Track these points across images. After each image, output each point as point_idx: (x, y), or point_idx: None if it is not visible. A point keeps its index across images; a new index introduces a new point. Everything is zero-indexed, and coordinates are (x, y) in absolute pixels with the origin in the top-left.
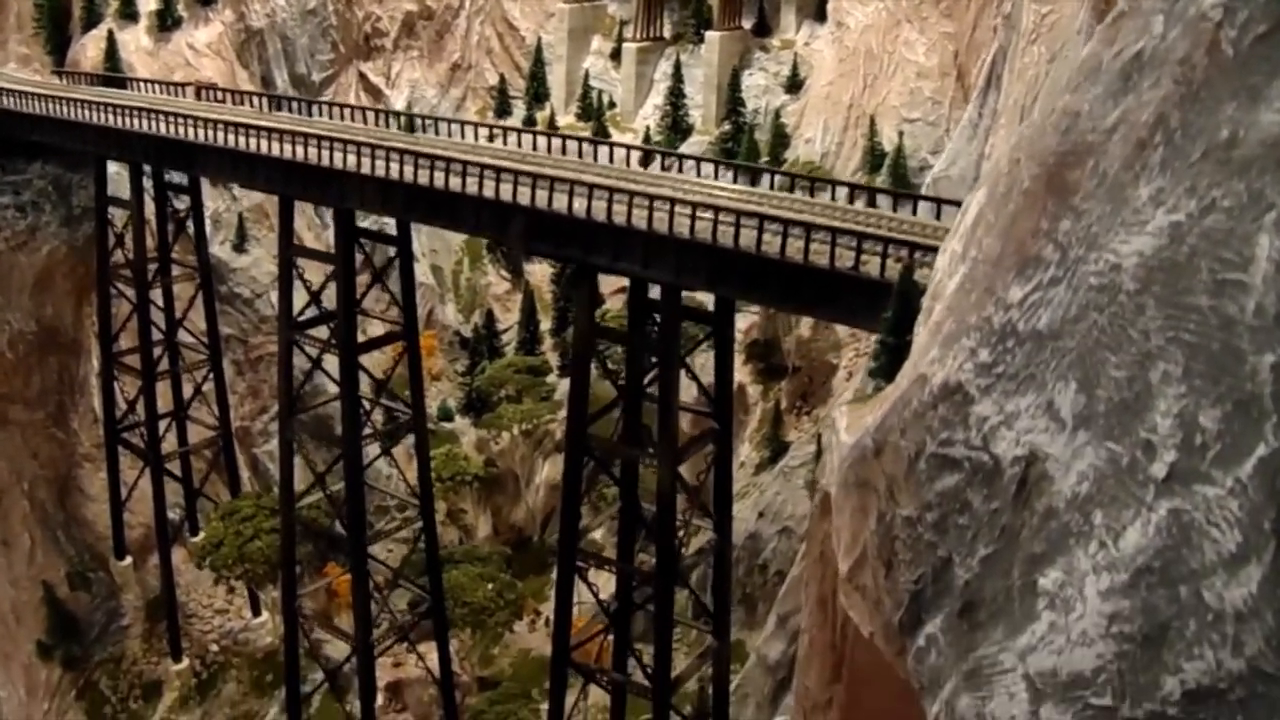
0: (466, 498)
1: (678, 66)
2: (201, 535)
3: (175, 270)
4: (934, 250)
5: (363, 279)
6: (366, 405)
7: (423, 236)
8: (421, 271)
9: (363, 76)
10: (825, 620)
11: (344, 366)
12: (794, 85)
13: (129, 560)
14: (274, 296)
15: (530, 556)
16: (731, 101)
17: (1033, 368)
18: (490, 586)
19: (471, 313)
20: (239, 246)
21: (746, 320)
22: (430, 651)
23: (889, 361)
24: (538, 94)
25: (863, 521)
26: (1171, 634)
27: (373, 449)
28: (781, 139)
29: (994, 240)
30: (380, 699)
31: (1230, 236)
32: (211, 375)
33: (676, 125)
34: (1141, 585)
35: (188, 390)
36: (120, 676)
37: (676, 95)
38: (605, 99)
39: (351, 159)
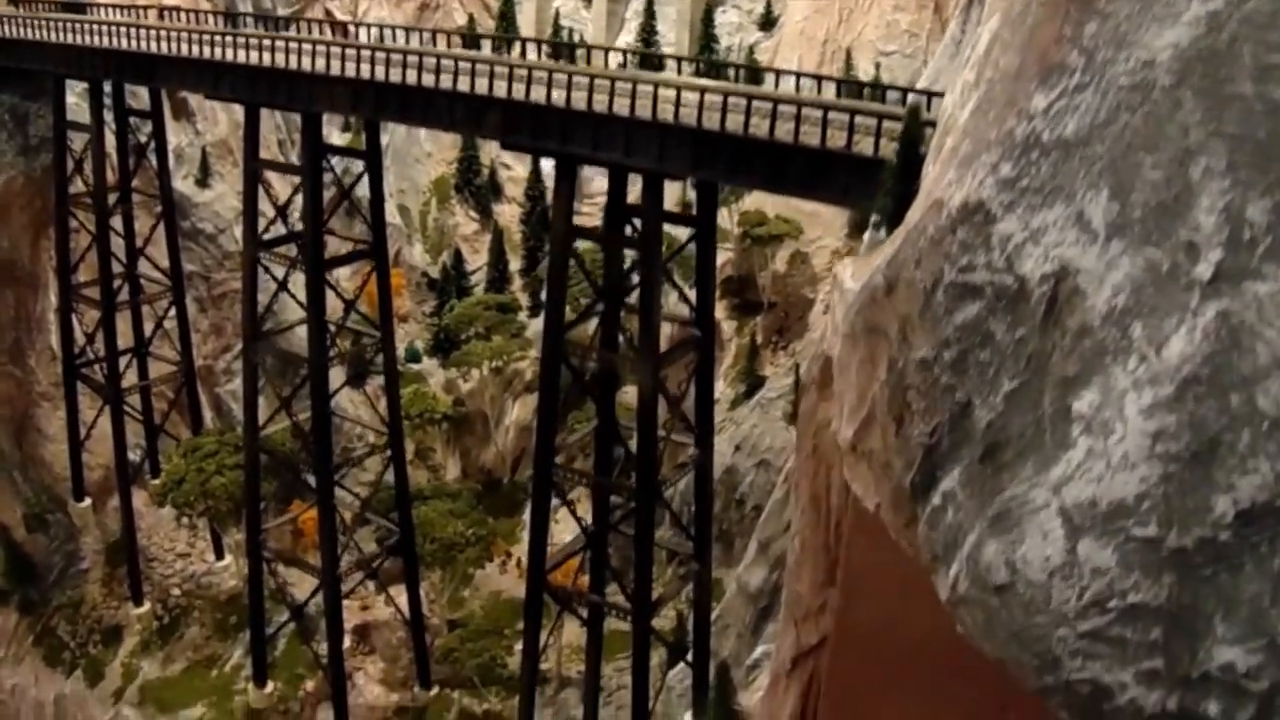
0: (435, 438)
1: (650, 4)
2: (163, 473)
3: (136, 199)
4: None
5: (337, 212)
6: (333, 328)
7: (390, 176)
8: (389, 212)
9: (329, 14)
10: (818, 521)
11: (310, 283)
12: (768, 22)
13: (88, 502)
14: (238, 232)
15: (500, 498)
16: (705, 39)
17: (1060, 178)
18: (461, 523)
19: (439, 254)
20: (202, 181)
21: (721, 256)
22: (399, 594)
23: (895, 209)
24: (507, 33)
25: (871, 375)
26: (1222, 448)
27: (341, 384)
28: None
29: (1012, 56)
30: (348, 641)
31: (1276, 19)
32: (174, 309)
33: (647, 63)
34: (1188, 397)
35: (149, 326)
36: (79, 621)
37: (648, 33)
38: (576, 38)
39: (320, 62)
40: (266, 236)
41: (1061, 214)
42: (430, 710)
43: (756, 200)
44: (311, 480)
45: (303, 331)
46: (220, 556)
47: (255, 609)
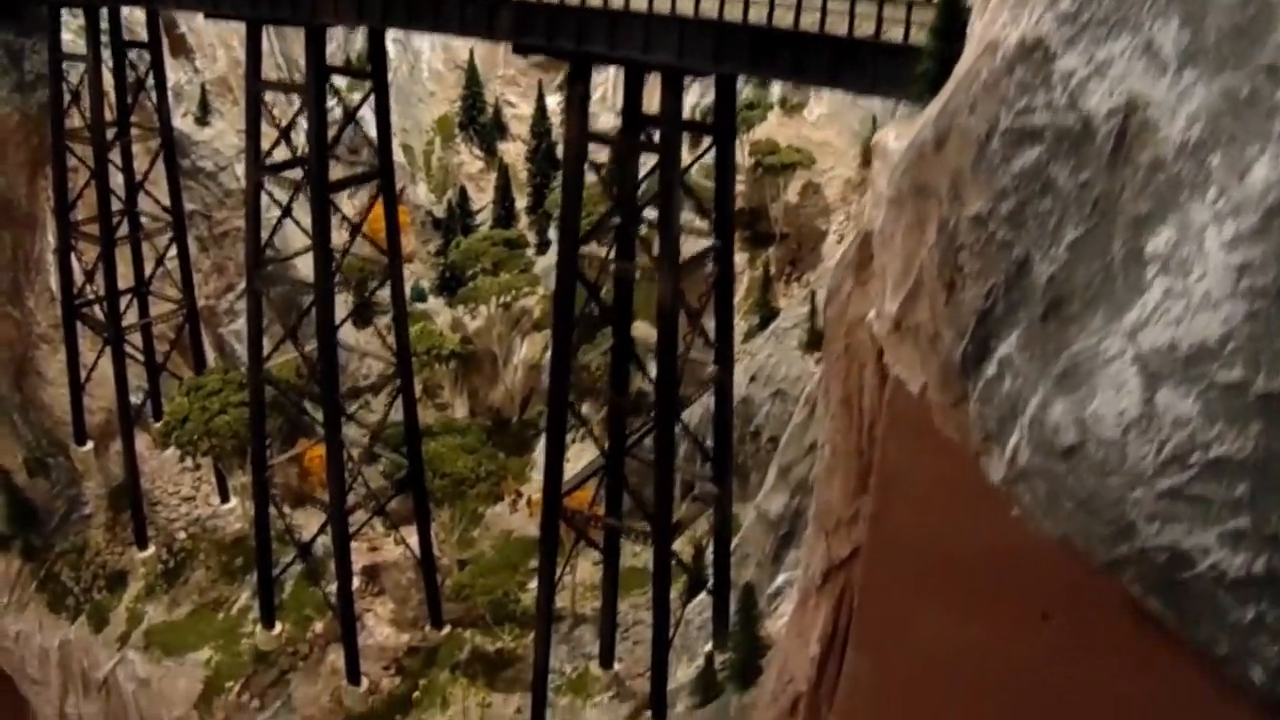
0: (443, 376)
1: None
2: (165, 413)
3: (135, 135)
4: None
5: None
6: (338, 256)
7: (393, 116)
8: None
9: None
10: (850, 424)
11: (315, 205)
12: None
13: (90, 446)
14: (239, 169)
15: (509, 438)
16: None
17: (1125, 9)
18: (470, 459)
19: (444, 193)
20: (201, 119)
21: None
22: (409, 536)
23: (938, 72)
24: None
25: (919, 240)
26: None
27: (347, 315)
28: None
29: None
30: (356, 583)
31: None
32: (174, 246)
33: None
34: (1274, 227)
35: (149, 266)
36: (83, 567)
37: None
38: None
39: None
40: (270, 161)
41: (1128, 45)
42: (442, 649)
43: (767, 130)
44: (318, 415)
45: (308, 263)
46: (225, 499)
47: (262, 548)
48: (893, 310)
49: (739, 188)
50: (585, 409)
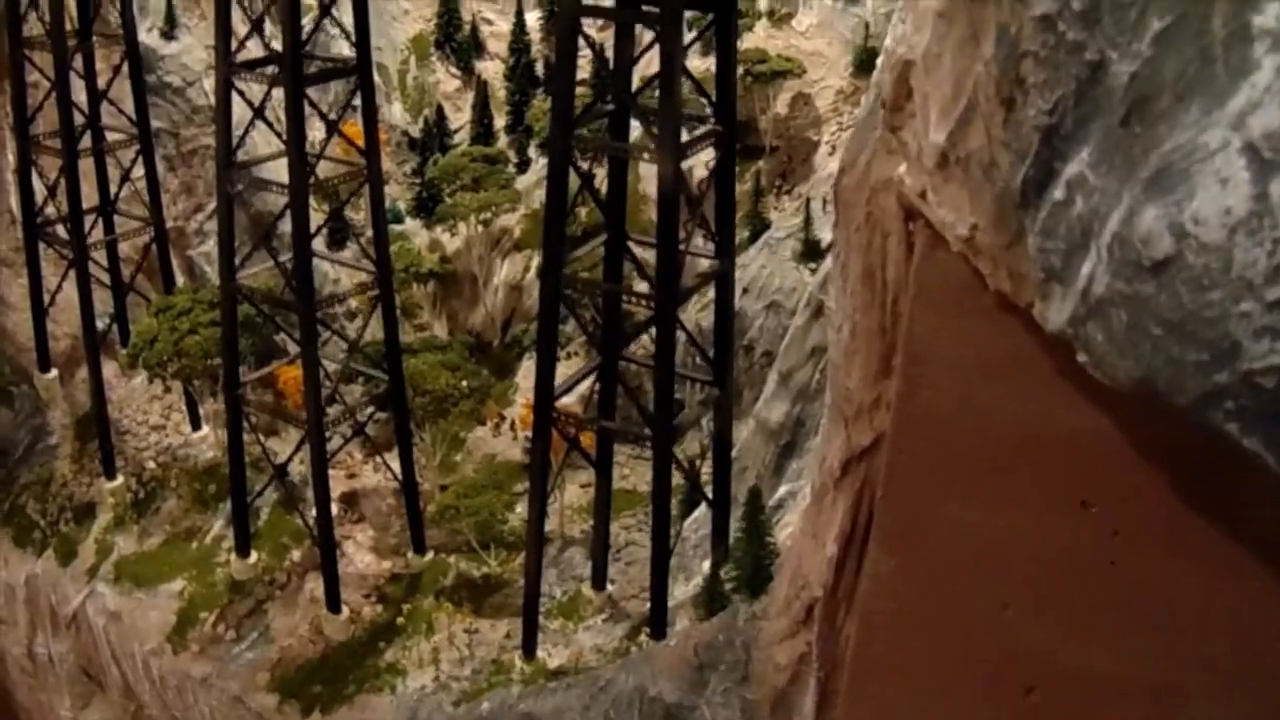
0: (422, 298)
1: None
2: (132, 333)
3: (97, 44)
4: None
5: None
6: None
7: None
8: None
9: None
10: (872, 300)
11: (290, 98)
12: None
13: (54, 373)
14: (208, 85)
15: (491, 361)
16: None
17: None
18: (452, 375)
19: (420, 113)
20: (168, 33)
21: None
22: (390, 461)
23: None
24: None
25: (972, 55)
26: None
27: (324, 222)
28: None
29: None
30: (335, 509)
31: None
32: (141, 158)
33: None
34: None
35: (115, 184)
36: (49, 499)
37: None
38: None
39: None
40: (240, 59)
41: None
42: (425, 576)
43: (755, 42)
44: (293, 333)
45: (282, 169)
46: (197, 427)
47: (236, 472)
48: (939, 142)
49: None
50: (570, 327)
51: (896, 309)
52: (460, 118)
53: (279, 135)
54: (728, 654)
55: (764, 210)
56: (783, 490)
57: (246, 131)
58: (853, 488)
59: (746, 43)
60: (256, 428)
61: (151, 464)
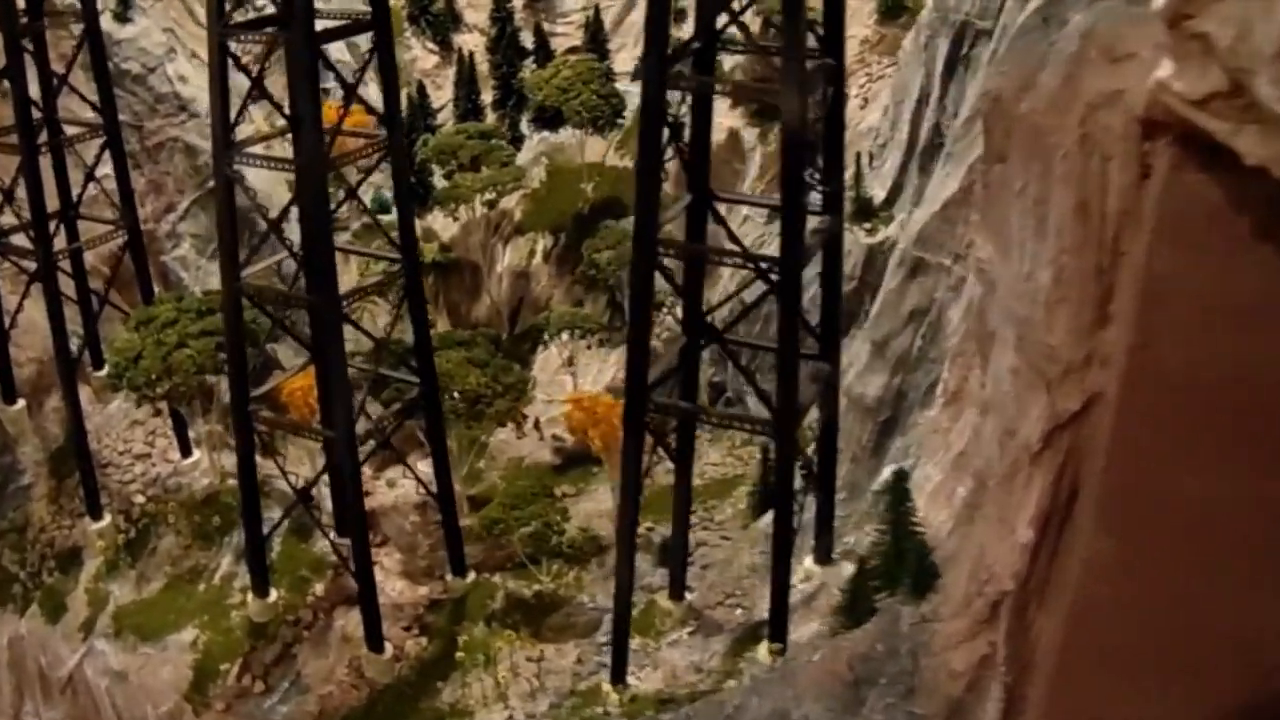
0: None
1: None
2: (112, 351)
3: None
4: None
5: None
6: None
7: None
8: (336, 49)
9: None
10: (1086, 239)
11: (301, 61)
12: None
13: (21, 404)
14: (171, 69)
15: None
16: None
17: None
18: (482, 372)
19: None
20: (121, 15)
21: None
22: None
23: None
24: None
25: None
26: None
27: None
28: None
29: None
30: None
31: None
32: (109, 153)
33: None
34: None
35: (76, 184)
36: (27, 548)
37: None
38: None
39: None
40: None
41: None
42: (470, 599)
43: None
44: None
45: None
46: (187, 453)
47: (249, 501)
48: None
49: (738, 60)
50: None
51: (1119, 246)
52: (441, 96)
53: (279, 108)
54: (889, 665)
55: None
56: (887, 473)
57: (243, 110)
58: (1054, 462)
59: None
60: (269, 449)
61: (140, 498)
